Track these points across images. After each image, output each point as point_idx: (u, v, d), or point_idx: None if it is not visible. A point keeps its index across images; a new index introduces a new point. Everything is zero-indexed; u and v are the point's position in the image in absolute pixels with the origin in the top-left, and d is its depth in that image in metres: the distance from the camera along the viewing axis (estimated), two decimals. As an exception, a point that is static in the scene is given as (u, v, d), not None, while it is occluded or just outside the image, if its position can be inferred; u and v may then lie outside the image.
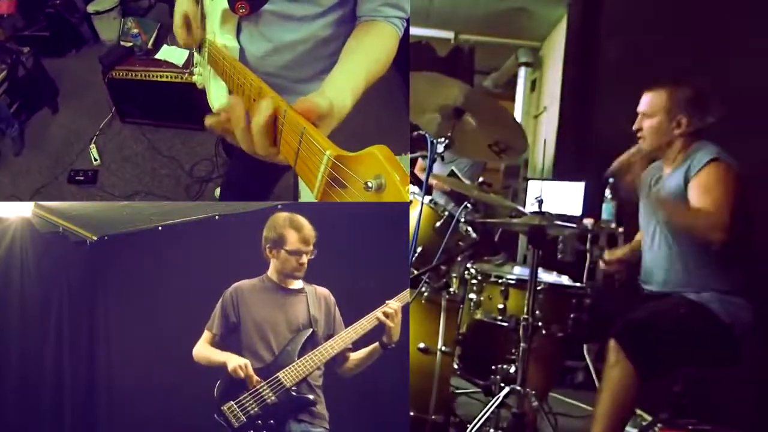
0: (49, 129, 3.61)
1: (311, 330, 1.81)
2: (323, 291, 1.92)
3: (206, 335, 1.88)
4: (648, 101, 2.13)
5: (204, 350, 1.86)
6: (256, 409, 1.73)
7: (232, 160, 2.43)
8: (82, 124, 3.58)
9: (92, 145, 3.44)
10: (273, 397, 1.74)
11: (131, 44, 3.39)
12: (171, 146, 3.40)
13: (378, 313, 1.77)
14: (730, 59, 2.69)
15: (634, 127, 2.17)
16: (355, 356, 1.86)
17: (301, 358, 1.76)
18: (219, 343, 1.87)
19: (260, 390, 1.74)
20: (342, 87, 1.28)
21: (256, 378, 1.74)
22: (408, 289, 1.86)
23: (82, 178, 3.28)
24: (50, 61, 3.81)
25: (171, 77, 3.26)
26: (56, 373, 2.79)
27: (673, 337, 1.90)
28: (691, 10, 3.11)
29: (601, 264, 2.38)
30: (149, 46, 3.43)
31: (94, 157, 3.40)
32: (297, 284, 1.89)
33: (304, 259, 1.84)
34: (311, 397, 1.76)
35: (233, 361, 1.76)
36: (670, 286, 2.06)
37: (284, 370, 1.75)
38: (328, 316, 1.88)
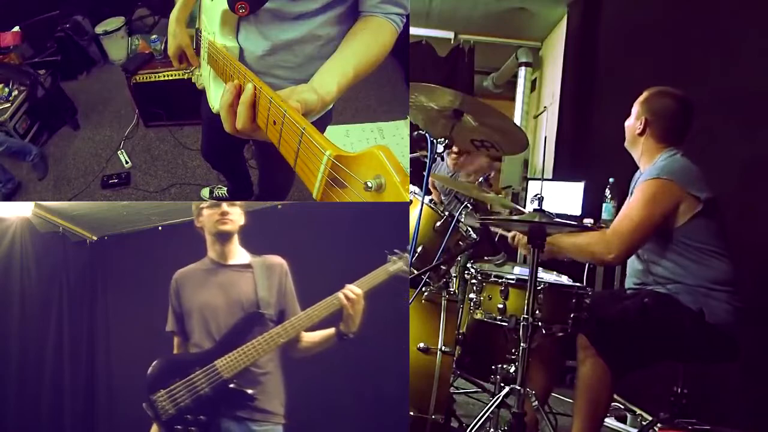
0: (74, 144, 3.67)
1: (257, 312, 1.64)
2: (274, 260, 1.74)
3: (174, 340, 1.74)
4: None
5: None
6: (187, 401, 1.55)
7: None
8: (105, 135, 3.68)
9: (121, 151, 3.54)
10: (207, 389, 1.55)
11: (151, 50, 3.59)
12: (196, 140, 3.47)
13: (340, 294, 1.62)
14: (730, 59, 2.69)
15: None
16: (308, 338, 1.70)
17: (244, 346, 1.58)
18: (183, 343, 1.72)
19: (195, 379, 1.56)
20: (328, 79, 1.38)
21: None
22: (370, 275, 1.71)
23: (116, 180, 3.37)
24: (64, 85, 3.90)
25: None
26: (56, 373, 2.78)
27: (640, 329, 1.91)
28: (691, 9, 3.11)
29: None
30: (159, 56, 3.58)
31: (125, 160, 3.48)
32: (240, 258, 1.73)
33: (225, 207, 1.70)
34: (250, 391, 1.58)
35: None
36: (641, 282, 2.08)
37: (223, 358, 1.57)
38: (279, 290, 1.71)
